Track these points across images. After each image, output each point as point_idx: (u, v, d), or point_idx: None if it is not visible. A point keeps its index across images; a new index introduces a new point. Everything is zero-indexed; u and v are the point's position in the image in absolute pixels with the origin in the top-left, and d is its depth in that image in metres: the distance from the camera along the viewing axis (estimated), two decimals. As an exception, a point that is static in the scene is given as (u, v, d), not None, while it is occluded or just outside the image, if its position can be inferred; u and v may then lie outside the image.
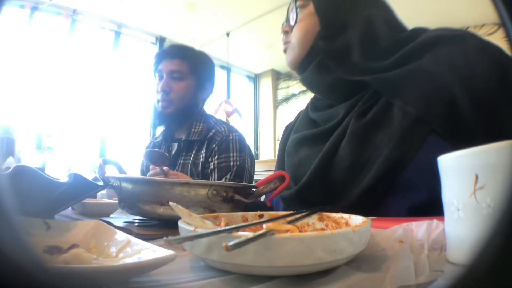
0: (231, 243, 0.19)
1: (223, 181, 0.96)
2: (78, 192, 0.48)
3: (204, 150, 1.02)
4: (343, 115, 0.58)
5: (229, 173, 0.99)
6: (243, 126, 3.40)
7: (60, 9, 2.74)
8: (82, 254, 0.25)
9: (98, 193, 0.96)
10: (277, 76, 4.36)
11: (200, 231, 0.24)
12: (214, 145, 1.02)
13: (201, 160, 1.02)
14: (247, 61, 4.10)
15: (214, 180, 0.97)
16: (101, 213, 0.65)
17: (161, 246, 0.26)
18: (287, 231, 0.26)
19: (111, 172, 0.56)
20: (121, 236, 0.31)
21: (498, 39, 0.35)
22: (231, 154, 1.01)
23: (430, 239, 0.30)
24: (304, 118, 0.71)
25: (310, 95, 0.74)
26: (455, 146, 0.25)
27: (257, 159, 3.78)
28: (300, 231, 0.31)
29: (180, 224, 0.27)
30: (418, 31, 0.57)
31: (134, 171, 1.39)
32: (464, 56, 0.47)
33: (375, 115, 0.53)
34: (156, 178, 0.58)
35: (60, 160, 2.51)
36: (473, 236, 0.23)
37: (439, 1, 2.55)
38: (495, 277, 0.14)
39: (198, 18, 3.08)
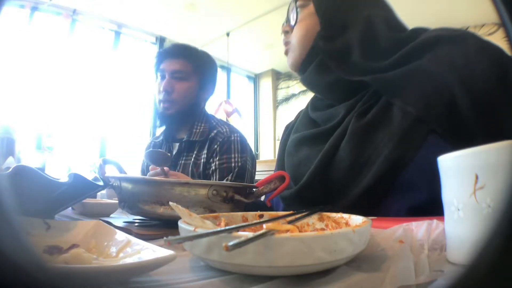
0: (231, 243, 0.19)
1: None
2: (78, 192, 0.47)
3: (205, 151, 1.02)
4: (343, 115, 0.58)
5: (231, 174, 0.99)
6: (243, 126, 3.40)
7: (60, 9, 2.74)
8: (82, 254, 0.25)
9: (98, 193, 0.96)
10: (277, 76, 4.36)
11: (200, 231, 0.24)
12: (215, 146, 1.01)
13: (202, 160, 1.01)
14: (247, 61, 4.10)
15: (215, 181, 0.97)
16: (101, 213, 0.65)
17: (161, 246, 0.26)
18: (287, 231, 0.26)
19: (111, 172, 0.56)
20: (121, 236, 0.31)
21: (498, 39, 0.35)
22: (233, 155, 1.01)
23: (430, 239, 0.30)
24: (304, 118, 0.71)
25: (310, 95, 0.74)
26: (455, 146, 0.25)
27: (257, 159, 3.78)
28: (300, 231, 0.31)
29: (180, 224, 0.27)
30: (418, 31, 0.57)
31: (134, 171, 1.39)
32: (464, 56, 0.47)
33: (375, 115, 0.53)
34: (156, 178, 0.58)
35: (60, 160, 2.51)
36: (473, 236, 0.23)
37: (439, 1, 2.55)
38: (495, 277, 0.14)
39: (198, 18, 3.08)
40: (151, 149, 1.13)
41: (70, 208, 0.68)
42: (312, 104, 0.71)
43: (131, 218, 0.56)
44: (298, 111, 0.78)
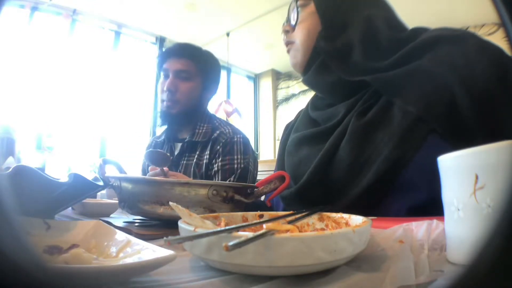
0: (231, 243, 0.19)
1: None
2: (78, 192, 0.47)
3: (208, 152, 1.01)
4: (343, 115, 0.58)
5: (233, 176, 0.98)
6: (243, 126, 3.40)
7: (60, 9, 2.75)
8: (82, 254, 0.25)
9: (98, 193, 0.96)
10: (277, 76, 4.36)
11: (200, 231, 0.24)
12: (218, 147, 1.01)
13: (204, 161, 1.01)
14: (247, 61, 4.10)
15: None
16: (101, 213, 0.65)
17: (161, 246, 0.26)
18: (287, 231, 0.26)
19: (111, 172, 0.56)
20: (121, 236, 0.31)
21: (498, 39, 0.35)
22: (235, 157, 1.00)
23: (430, 239, 0.30)
24: (304, 117, 0.71)
25: (310, 95, 0.74)
26: (455, 146, 0.25)
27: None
28: (300, 231, 0.31)
29: (180, 224, 0.27)
30: (419, 31, 0.57)
31: (134, 171, 1.39)
32: (464, 56, 0.47)
33: (375, 114, 0.53)
34: (156, 178, 0.58)
35: (60, 160, 2.51)
36: (473, 236, 0.23)
37: (439, 1, 2.55)
38: (495, 277, 0.14)
39: (198, 18, 3.08)
40: (150, 149, 1.13)
41: (70, 208, 0.68)
42: (312, 103, 0.71)
43: (131, 218, 0.56)
44: (298, 111, 0.78)
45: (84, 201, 0.63)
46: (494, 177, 0.22)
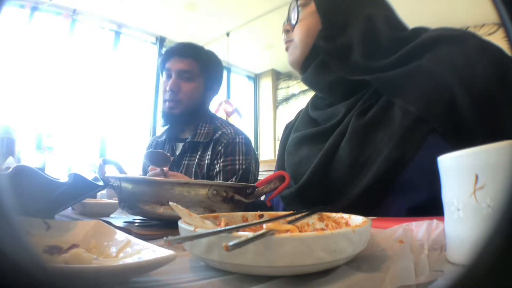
0: (231, 243, 0.19)
1: None
2: (78, 192, 0.47)
3: (209, 152, 1.01)
4: (343, 114, 0.58)
5: (235, 176, 0.98)
6: (243, 126, 3.40)
7: (60, 9, 2.75)
8: (82, 254, 0.25)
9: (98, 193, 0.96)
10: (277, 76, 4.36)
11: (200, 231, 0.24)
12: (220, 147, 1.00)
13: (206, 162, 1.00)
14: (247, 61, 4.10)
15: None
16: (101, 213, 0.65)
17: (161, 246, 0.26)
18: (287, 231, 0.26)
19: (111, 172, 0.56)
20: (121, 236, 0.31)
21: (498, 39, 0.35)
22: (237, 157, 1.00)
23: (430, 239, 0.30)
24: (304, 117, 0.71)
25: (310, 95, 0.74)
26: (455, 146, 0.25)
27: (257, 159, 3.78)
28: (300, 231, 0.31)
29: (180, 224, 0.27)
30: (419, 31, 0.57)
31: (134, 171, 1.39)
32: (464, 56, 0.47)
33: (376, 114, 0.53)
34: (156, 178, 0.58)
35: (60, 160, 2.51)
36: (473, 236, 0.23)
37: (439, 1, 2.55)
38: (495, 277, 0.14)
39: (198, 18, 3.08)
40: (150, 149, 1.13)
41: (70, 208, 0.68)
42: (313, 103, 0.71)
43: (131, 218, 0.56)
44: (298, 111, 0.78)
45: (84, 201, 0.63)
46: (494, 177, 0.22)
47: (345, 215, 0.34)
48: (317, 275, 0.23)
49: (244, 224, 0.26)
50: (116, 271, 0.21)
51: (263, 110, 4.41)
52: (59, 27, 2.76)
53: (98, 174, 0.53)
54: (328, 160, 0.55)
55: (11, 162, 0.74)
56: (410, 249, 0.27)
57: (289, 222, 0.32)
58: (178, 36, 3.29)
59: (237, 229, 0.23)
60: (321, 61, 0.61)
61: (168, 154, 0.89)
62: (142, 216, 0.52)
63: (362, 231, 0.25)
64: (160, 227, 0.47)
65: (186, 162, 1.03)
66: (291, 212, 0.36)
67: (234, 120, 3.40)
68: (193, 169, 1.00)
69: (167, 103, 1.03)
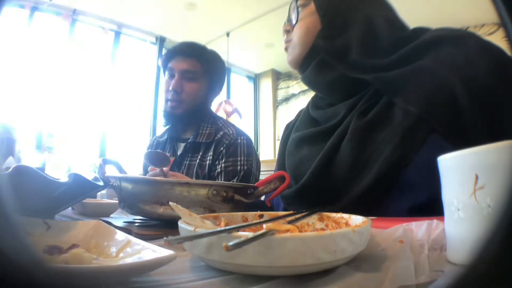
0: (231, 243, 0.19)
1: None
2: (78, 192, 0.47)
3: (211, 152, 1.00)
4: (344, 114, 0.58)
5: (236, 177, 0.97)
6: (243, 126, 3.40)
7: (60, 9, 2.75)
8: (82, 254, 0.25)
9: (98, 193, 0.96)
10: (277, 76, 4.36)
11: (200, 231, 0.24)
12: (221, 148, 0.99)
13: (208, 162, 1.00)
14: (247, 61, 4.10)
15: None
16: (101, 213, 0.65)
17: (161, 246, 0.26)
18: (287, 231, 0.26)
19: (111, 172, 0.56)
20: (121, 236, 0.31)
21: (498, 39, 0.35)
22: (239, 158, 0.99)
23: (430, 239, 0.30)
24: (305, 117, 0.71)
25: (310, 95, 0.74)
26: (456, 146, 0.25)
27: (257, 159, 3.78)
28: (300, 231, 0.31)
29: (180, 224, 0.27)
30: (419, 31, 0.57)
31: (134, 171, 1.38)
32: (465, 57, 0.47)
33: (376, 114, 0.53)
34: (156, 178, 0.58)
35: (60, 160, 2.51)
36: (473, 236, 0.23)
37: (439, 1, 2.55)
38: (495, 277, 0.14)
39: (198, 18, 3.08)
40: (150, 150, 1.12)
41: (70, 208, 0.68)
42: (313, 102, 0.71)
43: (131, 218, 0.56)
44: (298, 111, 0.78)
45: (84, 201, 0.63)
46: (494, 177, 0.22)
47: (345, 215, 0.34)
48: (317, 275, 0.23)
49: (244, 224, 0.26)
50: (116, 271, 0.21)
51: (263, 110, 4.41)
52: (59, 27, 2.76)
53: (98, 174, 0.53)
54: (329, 160, 0.55)
55: (11, 162, 0.74)
56: (410, 249, 0.27)
57: (289, 222, 0.32)
58: (178, 36, 3.29)
59: (237, 229, 0.23)
60: (321, 59, 0.61)
61: (168, 155, 0.89)
62: (142, 216, 0.52)
63: (362, 231, 0.25)
64: (160, 227, 0.47)
65: (187, 162, 1.03)
66: (291, 212, 0.36)
67: (234, 120, 3.40)
68: (195, 170, 1.00)
69: (169, 102, 1.03)
